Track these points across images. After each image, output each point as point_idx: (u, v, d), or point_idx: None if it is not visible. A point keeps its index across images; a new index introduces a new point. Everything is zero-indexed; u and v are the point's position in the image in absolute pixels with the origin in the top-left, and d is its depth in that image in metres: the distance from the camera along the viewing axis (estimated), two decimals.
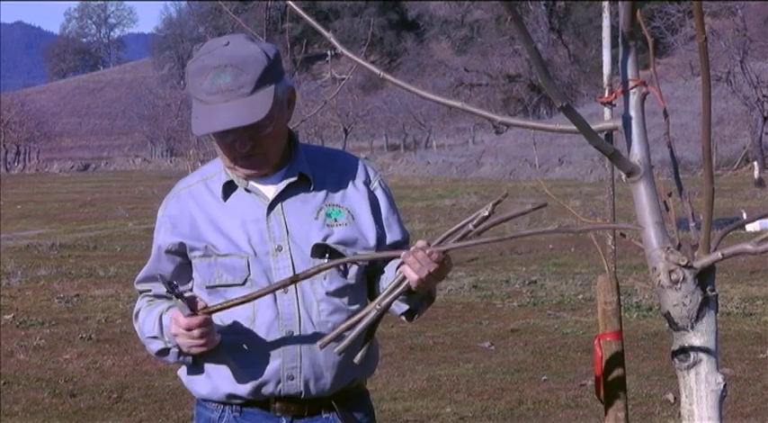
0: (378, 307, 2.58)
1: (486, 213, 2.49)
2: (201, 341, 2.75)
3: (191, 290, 2.93)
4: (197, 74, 2.76)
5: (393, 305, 2.75)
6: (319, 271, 2.68)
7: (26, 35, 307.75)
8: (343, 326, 2.57)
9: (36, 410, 7.66)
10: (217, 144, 2.83)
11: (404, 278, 2.63)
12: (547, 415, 7.31)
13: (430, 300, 2.87)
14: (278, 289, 2.70)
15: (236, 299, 2.71)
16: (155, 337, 2.88)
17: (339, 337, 2.66)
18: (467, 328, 10.43)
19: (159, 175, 49.71)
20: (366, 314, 2.58)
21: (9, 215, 26.71)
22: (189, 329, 2.72)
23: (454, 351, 9.37)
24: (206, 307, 2.73)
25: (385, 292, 2.63)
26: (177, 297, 2.69)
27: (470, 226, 2.53)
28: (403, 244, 2.94)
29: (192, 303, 2.72)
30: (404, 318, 2.87)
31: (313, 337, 2.82)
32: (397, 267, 2.69)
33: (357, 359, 2.62)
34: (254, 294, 2.69)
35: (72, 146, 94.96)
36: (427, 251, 2.60)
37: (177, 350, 2.84)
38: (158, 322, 2.86)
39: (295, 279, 2.66)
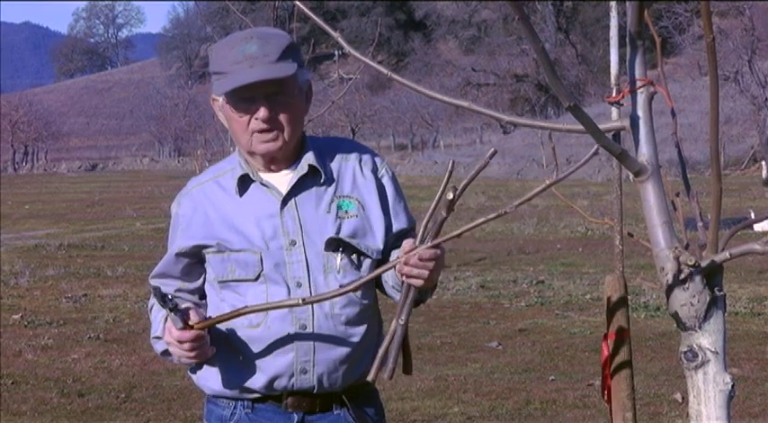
0: (401, 322, 2.58)
1: (451, 196, 2.51)
2: (192, 354, 2.79)
3: (202, 284, 2.97)
4: (222, 48, 2.84)
5: (397, 297, 2.79)
6: (334, 296, 2.68)
7: (34, 35, 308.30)
8: (381, 351, 2.54)
9: (44, 410, 7.67)
10: (236, 120, 2.85)
11: (410, 285, 2.64)
12: (554, 415, 7.31)
13: (433, 287, 2.89)
14: (283, 307, 2.71)
15: (231, 312, 2.73)
16: (159, 338, 2.91)
17: (354, 353, 2.75)
18: (474, 327, 10.42)
19: (167, 175, 49.77)
20: (394, 333, 2.58)
21: (17, 215, 26.75)
22: (181, 342, 2.76)
23: (462, 351, 9.37)
24: (200, 321, 2.75)
25: (400, 306, 2.63)
26: (171, 311, 2.72)
27: (442, 213, 2.54)
28: (409, 231, 2.97)
29: (185, 316, 2.74)
30: None
31: (326, 331, 2.85)
32: (400, 279, 2.70)
33: (387, 374, 2.60)
34: (256, 308, 2.70)
35: (80, 146, 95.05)
36: (418, 254, 2.61)
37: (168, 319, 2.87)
38: (163, 324, 2.87)
39: (305, 302, 2.67)
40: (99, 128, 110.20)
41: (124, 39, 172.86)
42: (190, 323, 2.75)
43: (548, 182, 2.24)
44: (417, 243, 2.62)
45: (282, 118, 2.84)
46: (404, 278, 2.65)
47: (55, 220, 25.37)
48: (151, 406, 7.72)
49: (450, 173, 2.51)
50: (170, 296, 2.75)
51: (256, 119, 2.82)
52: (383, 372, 2.54)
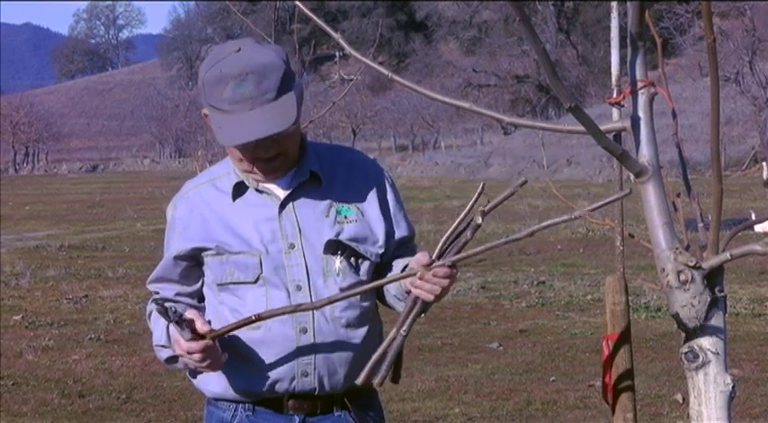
0: (403, 332, 2.58)
1: (480, 221, 2.50)
2: (204, 363, 2.76)
3: (200, 288, 2.96)
4: (215, 83, 2.74)
5: (398, 307, 2.80)
6: (331, 302, 2.66)
7: (35, 36, 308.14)
8: (375, 356, 2.55)
9: (45, 411, 7.67)
10: (233, 149, 2.82)
11: (416, 297, 2.64)
12: (555, 416, 7.31)
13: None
14: (285, 313, 2.68)
15: (241, 320, 2.69)
16: (163, 346, 2.89)
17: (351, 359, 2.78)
18: (475, 328, 10.42)
19: (168, 176, 49.77)
20: (393, 341, 2.58)
21: (18, 216, 26.75)
22: (190, 353, 2.73)
23: (462, 352, 9.37)
24: (211, 330, 2.73)
25: (403, 316, 2.62)
26: (177, 323, 2.69)
27: (467, 235, 2.54)
28: (409, 240, 2.98)
29: (192, 326, 2.71)
30: None
31: (326, 334, 2.84)
32: (407, 290, 2.69)
33: (377, 381, 2.60)
34: (269, 313, 2.66)
35: (80, 147, 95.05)
36: (434, 270, 2.61)
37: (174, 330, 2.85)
38: (166, 332, 2.86)
39: (297, 309, 2.65)
40: (100, 129, 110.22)
41: (125, 40, 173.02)
42: (200, 333, 2.72)
43: (573, 216, 2.22)
44: (435, 258, 2.62)
45: (284, 144, 2.82)
46: (414, 289, 2.65)
47: (56, 221, 25.37)
48: (152, 407, 7.72)
49: (480, 194, 2.49)
50: (173, 308, 2.71)
51: (261, 154, 2.80)
52: (374, 377, 2.55)
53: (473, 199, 2.48)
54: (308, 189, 2.89)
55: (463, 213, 2.51)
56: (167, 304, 2.79)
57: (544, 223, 2.25)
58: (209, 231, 2.90)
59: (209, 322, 2.78)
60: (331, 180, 2.91)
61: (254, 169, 2.85)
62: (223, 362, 2.78)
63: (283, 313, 2.67)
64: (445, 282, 2.63)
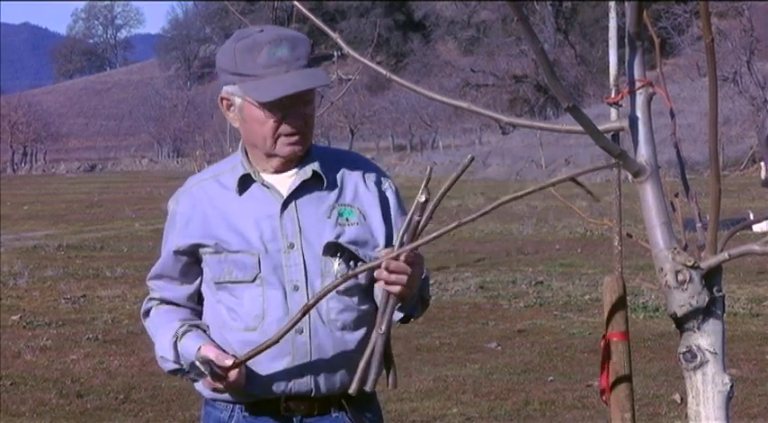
0: (380, 331, 2.58)
1: (423, 199, 2.49)
2: (230, 385, 2.79)
3: (200, 285, 2.96)
4: (248, 51, 2.79)
5: None
6: (324, 294, 2.65)
7: (33, 36, 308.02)
8: (363, 363, 2.56)
9: (43, 411, 7.67)
10: (261, 123, 2.83)
11: (389, 293, 2.64)
12: (553, 416, 7.31)
13: (423, 302, 2.89)
14: (294, 325, 2.64)
15: (260, 346, 2.67)
16: (175, 362, 2.90)
17: (347, 362, 2.79)
18: (473, 328, 10.42)
19: (166, 176, 49.75)
20: (375, 344, 2.58)
21: (16, 216, 26.74)
22: (228, 387, 2.78)
23: (461, 352, 9.37)
24: (235, 359, 2.74)
25: (380, 314, 2.63)
26: (210, 372, 2.72)
27: (416, 217, 2.53)
28: None
29: (222, 368, 2.73)
30: (399, 322, 2.90)
31: (322, 336, 2.84)
32: (375, 283, 2.71)
33: (369, 386, 2.59)
34: (276, 336, 2.64)
35: (79, 147, 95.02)
36: (398, 258, 2.61)
37: (191, 376, 2.87)
38: (174, 349, 2.86)
39: (306, 310, 2.62)
40: (98, 129, 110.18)
41: (123, 39, 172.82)
42: (228, 367, 2.74)
43: (525, 192, 2.17)
44: (396, 248, 2.62)
45: (308, 123, 2.86)
46: (381, 285, 2.66)
47: (54, 220, 25.35)
48: (150, 407, 7.71)
49: (429, 178, 2.50)
50: (201, 358, 2.74)
51: (288, 124, 2.82)
52: (365, 384, 2.54)
53: (423, 184, 2.49)
54: (312, 189, 2.90)
55: (416, 201, 2.51)
56: (193, 361, 2.80)
57: (494, 204, 2.19)
58: (209, 228, 2.90)
59: (210, 330, 2.80)
60: (334, 182, 2.92)
61: (278, 147, 2.85)
62: (243, 376, 2.81)
63: (291, 327, 2.62)
64: (409, 269, 2.64)
